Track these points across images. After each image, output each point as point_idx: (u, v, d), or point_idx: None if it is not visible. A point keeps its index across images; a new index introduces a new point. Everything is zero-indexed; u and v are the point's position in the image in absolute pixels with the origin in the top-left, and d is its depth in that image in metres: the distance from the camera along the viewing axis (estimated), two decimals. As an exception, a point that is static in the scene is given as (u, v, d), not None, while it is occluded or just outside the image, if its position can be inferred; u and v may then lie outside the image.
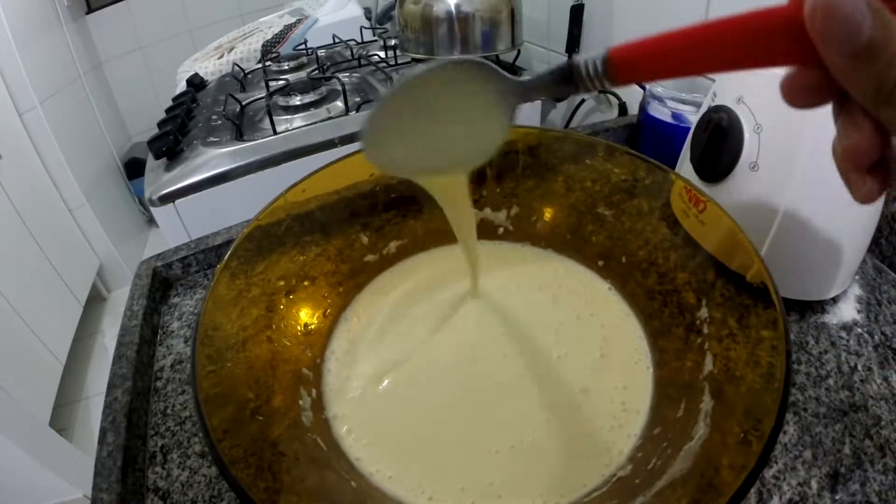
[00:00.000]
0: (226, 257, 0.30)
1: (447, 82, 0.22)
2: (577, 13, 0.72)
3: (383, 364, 0.34)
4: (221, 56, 0.99)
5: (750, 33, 0.14)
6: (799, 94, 0.15)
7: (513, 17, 0.69)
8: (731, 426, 0.23)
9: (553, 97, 0.20)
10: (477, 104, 0.23)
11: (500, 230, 0.42)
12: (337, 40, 0.98)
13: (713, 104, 0.36)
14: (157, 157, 0.62)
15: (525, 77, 0.22)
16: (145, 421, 0.35)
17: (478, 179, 0.41)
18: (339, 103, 0.68)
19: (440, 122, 0.24)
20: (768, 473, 0.28)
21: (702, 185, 0.37)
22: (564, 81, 0.20)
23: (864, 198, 0.15)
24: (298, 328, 0.34)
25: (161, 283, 0.46)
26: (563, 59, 0.75)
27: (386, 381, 0.33)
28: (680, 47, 0.16)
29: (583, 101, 0.77)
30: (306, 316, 0.35)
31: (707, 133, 0.35)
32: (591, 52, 0.18)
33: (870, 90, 0.13)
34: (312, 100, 0.68)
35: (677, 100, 0.50)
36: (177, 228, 0.58)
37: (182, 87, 0.91)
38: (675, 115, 0.51)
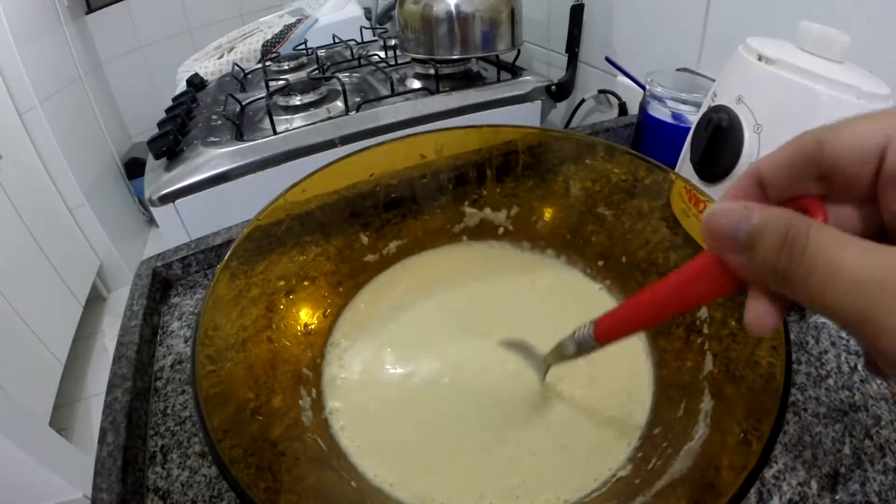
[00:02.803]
0: (226, 257, 0.30)
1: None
2: (577, 13, 0.72)
3: (385, 364, 0.34)
4: (221, 56, 0.99)
5: (690, 279, 0.18)
6: (758, 321, 0.16)
7: (513, 17, 0.69)
8: (731, 426, 0.23)
9: (563, 362, 0.28)
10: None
11: (500, 230, 0.42)
12: (337, 40, 0.98)
13: (713, 104, 0.36)
14: (157, 157, 0.62)
15: (547, 354, 0.29)
16: (145, 421, 0.35)
17: (478, 179, 0.41)
18: (339, 103, 0.68)
19: None
20: (768, 473, 0.28)
21: (702, 185, 0.37)
22: (569, 350, 0.26)
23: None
24: (298, 328, 0.34)
25: (161, 283, 0.46)
26: (563, 59, 0.75)
27: (387, 382, 0.33)
28: (642, 310, 0.21)
29: (583, 100, 0.77)
30: (306, 316, 0.35)
31: (707, 133, 0.35)
32: (582, 328, 0.24)
33: (770, 276, 0.14)
34: (312, 100, 0.68)
35: (677, 100, 0.50)
36: (177, 228, 0.58)
37: (182, 87, 0.91)
38: (675, 115, 0.51)
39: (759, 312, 0.16)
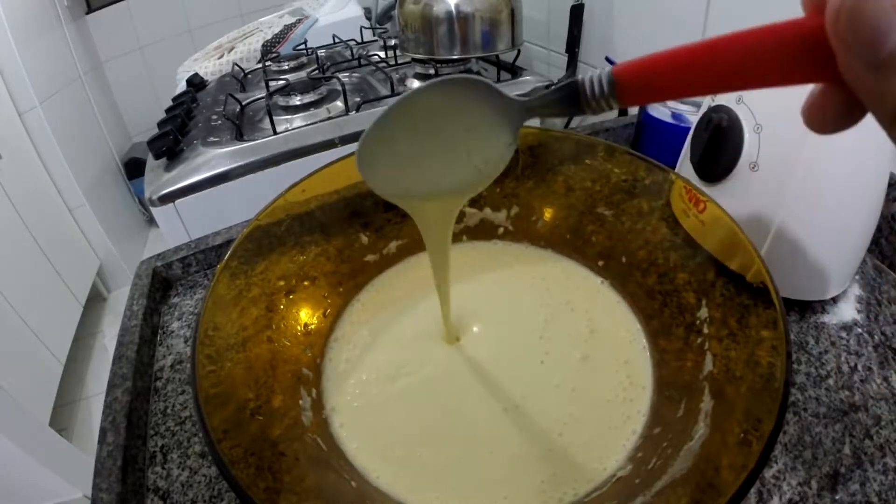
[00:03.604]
0: (226, 257, 0.30)
1: (445, 102, 0.21)
2: (577, 13, 0.72)
3: (385, 364, 0.34)
4: (221, 56, 0.99)
5: (764, 47, 0.14)
6: (824, 122, 0.14)
7: (513, 17, 0.69)
8: (731, 426, 0.23)
9: (557, 117, 0.18)
10: (477, 125, 0.22)
11: (500, 230, 0.42)
12: (337, 40, 0.98)
13: (713, 104, 0.36)
14: (157, 157, 0.62)
15: (527, 97, 0.21)
16: (145, 421, 0.35)
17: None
18: (339, 103, 0.68)
19: (438, 143, 0.23)
20: (768, 473, 0.28)
21: (702, 185, 0.37)
22: (569, 102, 0.19)
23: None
24: (298, 328, 0.34)
25: (161, 283, 0.46)
26: (563, 59, 0.75)
27: (387, 382, 0.33)
28: (691, 65, 0.15)
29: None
30: (306, 316, 0.35)
31: (707, 133, 0.35)
32: (595, 71, 0.18)
33: (891, 107, 0.12)
34: (312, 100, 0.68)
35: (677, 100, 0.50)
36: (177, 228, 0.59)
37: (182, 87, 0.91)
38: (675, 115, 0.51)
39: (825, 110, 0.13)
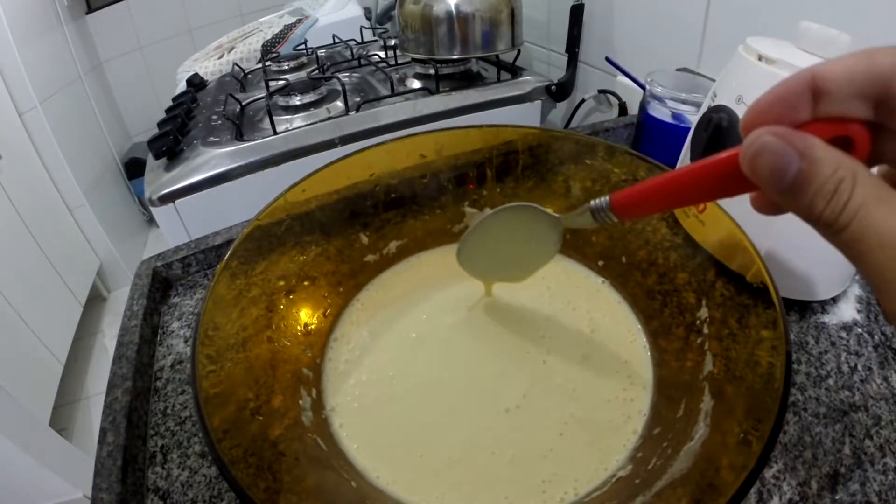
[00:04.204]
0: (226, 257, 0.30)
1: (510, 220, 0.31)
2: (577, 13, 0.72)
3: (385, 364, 0.34)
4: (221, 56, 0.98)
5: (711, 175, 0.18)
6: (766, 210, 0.17)
7: (513, 17, 0.69)
8: (731, 426, 0.23)
9: (582, 227, 0.27)
10: (534, 234, 0.31)
11: (500, 230, 0.42)
12: (337, 40, 0.98)
13: (713, 104, 0.36)
14: (157, 157, 0.62)
15: (563, 215, 0.29)
16: (145, 421, 0.35)
17: (478, 179, 0.41)
18: (339, 103, 0.68)
19: (508, 247, 0.33)
20: (768, 473, 0.28)
21: (702, 185, 0.37)
22: (587, 217, 0.25)
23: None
24: (298, 328, 0.34)
25: (161, 283, 0.46)
26: (563, 59, 0.75)
27: (388, 381, 0.33)
28: (662, 192, 0.21)
29: (583, 100, 0.77)
30: (306, 316, 0.35)
31: (707, 133, 0.35)
32: (599, 200, 0.24)
33: (804, 215, 0.15)
34: (312, 100, 0.68)
35: (677, 100, 0.50)
36: (177, 228, 0.58)
37: (182, 87, 0.91)
38: (675, 115, 0.51)
39: (767, 204, 0.17)
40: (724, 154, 0.17)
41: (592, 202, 0.25)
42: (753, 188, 0.16)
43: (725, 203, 0.30)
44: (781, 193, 0.15)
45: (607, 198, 0.24)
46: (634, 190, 0.22)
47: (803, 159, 0.14)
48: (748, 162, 0.15)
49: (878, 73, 0.14)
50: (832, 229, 0.14)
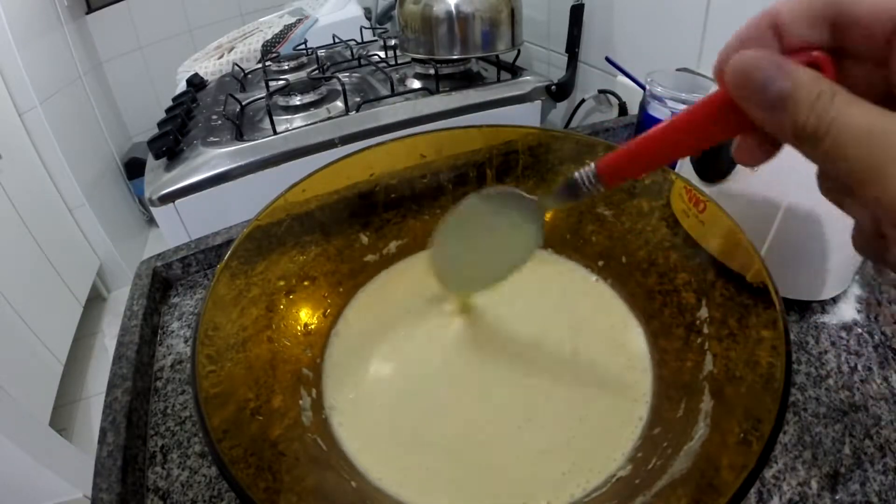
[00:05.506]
0: (226, 257, 0.30)
1: (482, 210, 0.29)
2: (577, 13, 0.72)
3: (385, 363, 0.34)
4: (221, 56, 0.99)
5: (698, 121, 0.18)
6: (752, 158, 0.18)
7: (513, 17, 0.69)
8: (731, 426, 0.23)
9: (564, 206, 0.26)
10: (509, 224, 0.29)
11: (500, 230, 0.42)
12: (337, 40, 0.98)
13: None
14: (157, 157, 0.62)
15: (541, 197, 0.28)
16: (145, 421, 0.35)
17: (478, 179, 0.41)
18: (339, 103, 0.68)
19: (484, 241, 0.31)
20: (768, 473, 0.28)
21: (702, 185, 0.37)
22: (570, 192, 0.24)
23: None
24: (298, 328, 0.34)
25: (161, 283, 0.46)
26: (563, 59, 0.75)
27: (388, 381, 0.33)
28: (649, 150, 0.20)
29: (583, 100, 0.77)
30: (306, 316, 0.35)
31: (707, 133, 0.35)
32: (584, 169, 0.23)
33: (789, 133, 0.15)
34: (312, 100, 0.68)
35: (677, 100, 0.50)
36: (177, 228, 0.58)
37: (182, 87, 0.91)
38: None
39: (750, 149, 0.17)
40: (703, 98, 0.17)
41: (576, 173, 0.23)
42: (737, 130, 0.17)
43: (725, 203, 0.30)
44: (766, 108, 0.15)
45: (592, 165, 0.23)
46: (620, 152, 0.22)
47: (785, 76, 0.15)
48: (732, 78, 0.16)
49: (831, 1, 0.15)
50: (814, 138, 0.14)
